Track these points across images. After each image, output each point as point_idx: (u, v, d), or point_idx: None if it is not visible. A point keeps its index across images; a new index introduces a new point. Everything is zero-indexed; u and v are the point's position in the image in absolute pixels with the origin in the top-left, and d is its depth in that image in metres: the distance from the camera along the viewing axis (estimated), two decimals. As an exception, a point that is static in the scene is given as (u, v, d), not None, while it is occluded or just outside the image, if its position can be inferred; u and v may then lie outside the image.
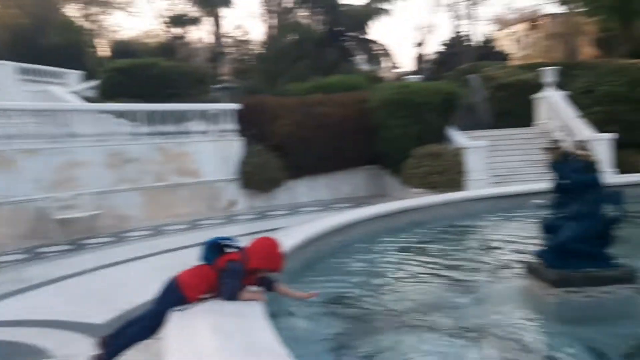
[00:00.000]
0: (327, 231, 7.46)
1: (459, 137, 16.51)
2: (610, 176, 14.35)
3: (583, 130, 16.19)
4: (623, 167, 14.88)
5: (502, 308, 5.22)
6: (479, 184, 14.69)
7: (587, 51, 38.09)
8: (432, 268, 6.68)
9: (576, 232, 5.19)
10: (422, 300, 5.54)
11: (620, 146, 15.51)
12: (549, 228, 5.45)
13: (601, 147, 15.33)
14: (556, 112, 17.73)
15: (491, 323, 4.77)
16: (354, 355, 4.28)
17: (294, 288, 4.59)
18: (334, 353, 4.32)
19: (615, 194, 5.39)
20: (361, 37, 36.99)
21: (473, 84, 26.23)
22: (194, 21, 38.69)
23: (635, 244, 6.65)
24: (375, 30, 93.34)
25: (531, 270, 5.43)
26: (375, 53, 37.24)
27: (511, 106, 20.88)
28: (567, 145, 5.60)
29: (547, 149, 5.34)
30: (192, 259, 4.27)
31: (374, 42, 37.26)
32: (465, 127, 18.67)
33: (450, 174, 14.70)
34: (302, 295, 4.58)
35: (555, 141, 5.40)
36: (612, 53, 32.61)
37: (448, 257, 7.21)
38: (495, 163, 16.41)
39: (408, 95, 16.41)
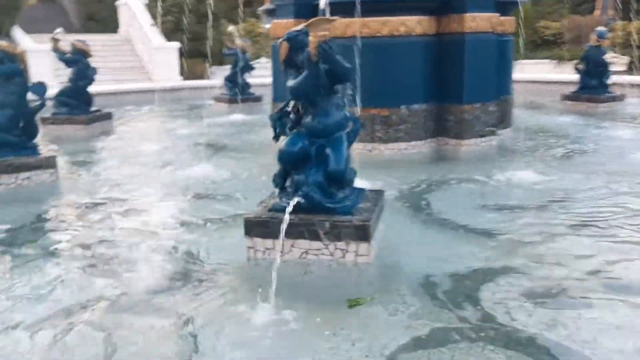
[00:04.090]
0: None
1: (24, 39, 15.37)
2: (176, 80, 15.55)
3: (155, 37, 16.81)
4: (189, 74, 16.11)
5: None
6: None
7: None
8: None
9: (-4, 122, 5.32)
10: None
11: (188, 55, 16.64)
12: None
13: (170, 54, 16.30)
14: (134, 19, 17.94)
15: None
16: None
17: None
18: None
19: (39, 86, 5.66)
20: None
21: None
22: None
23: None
24: None
25: None
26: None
27: (97, 10, 20.40)
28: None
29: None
30: None
31: None
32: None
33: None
34: None
35: None
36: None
37: None
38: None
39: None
